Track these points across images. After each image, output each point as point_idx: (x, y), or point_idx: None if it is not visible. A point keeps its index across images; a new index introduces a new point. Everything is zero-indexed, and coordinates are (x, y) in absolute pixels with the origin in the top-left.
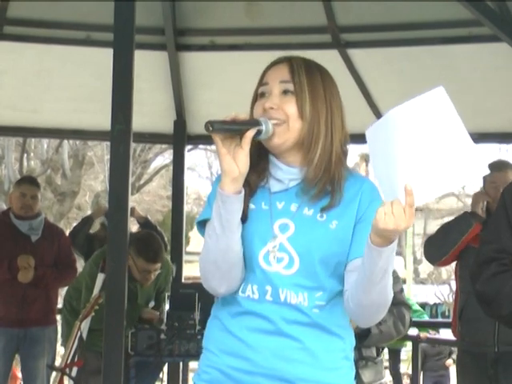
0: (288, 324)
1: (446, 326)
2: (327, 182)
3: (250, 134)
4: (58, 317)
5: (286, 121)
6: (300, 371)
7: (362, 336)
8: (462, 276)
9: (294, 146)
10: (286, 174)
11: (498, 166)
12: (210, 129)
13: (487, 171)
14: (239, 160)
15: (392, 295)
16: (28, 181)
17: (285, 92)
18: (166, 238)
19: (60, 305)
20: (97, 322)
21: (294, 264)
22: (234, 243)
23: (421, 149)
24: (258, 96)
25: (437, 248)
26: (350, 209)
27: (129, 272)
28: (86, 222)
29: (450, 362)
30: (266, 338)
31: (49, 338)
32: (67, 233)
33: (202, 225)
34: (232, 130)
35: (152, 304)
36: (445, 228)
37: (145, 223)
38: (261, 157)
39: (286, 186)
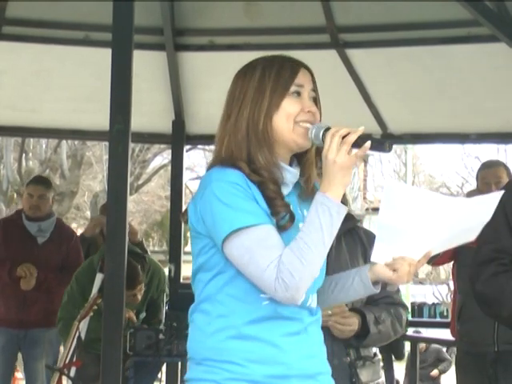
0: (309, 324)
1: (444, 326)
2: (313, 182)
3: (368, 145)
4: None
5: None
6: (318, 365)
7: (361, 336)
8: (460, 276)
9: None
10: (293, 177)
11: (489, 164)
12: (387, 149)
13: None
14: (352, 172)
15: None
16: (35, 181)
17: (313, 100)
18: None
19: None
20: (95, 329)
21: None
22: None
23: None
24: (288, 92)
25: None
26: None
27: None
28: (82, 242)
29: (435, 372)
30: (294, 339)
31: (49, 340)
32: None
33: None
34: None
35: (143, 315)
36: None
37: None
38: (272, 161)
39: (290, 189)
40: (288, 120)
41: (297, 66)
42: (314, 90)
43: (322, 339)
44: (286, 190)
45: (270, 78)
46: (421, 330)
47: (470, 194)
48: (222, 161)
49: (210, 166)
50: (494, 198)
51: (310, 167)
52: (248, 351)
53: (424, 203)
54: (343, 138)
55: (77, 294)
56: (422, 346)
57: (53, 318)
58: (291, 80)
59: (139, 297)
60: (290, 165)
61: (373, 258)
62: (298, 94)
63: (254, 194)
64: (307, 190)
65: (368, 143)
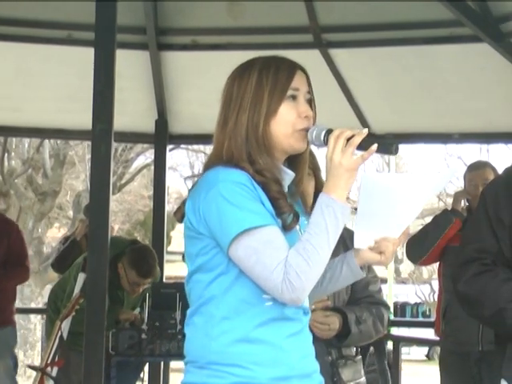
0: (305, 323)
1: (426, 325)
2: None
3: (375, 148)
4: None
5: None
6: (312, 364)
7: (342, 336)
8: (446, 275)
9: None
10: (289, 178)
11: (476, 166)
12: (394, 152)
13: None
14: (357, 174)
15: None
16: None
17: (309, 102)
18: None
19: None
20: (79, 324)
21: None
22: None
23: (405, 204)
24: (284, 97)
25: (418, 247)
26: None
27: (118, 279)
28: (73, 246)
29: None
30: (295, 339)
31: (5, 340)
32: (54, 257)
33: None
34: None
35: (138, 310)
36: (425, 226)
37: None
38: (272, 163)
39: (285, 190)
40: (285, 126)
41: (293, 68)
42: (310, 91)
43: (312, 338)
44: None
45: (267, 82)
46: (404, 329)
47: (457, 194)
48: (224, 161)
49: (209, 167)
50: (447, 173)
51: (303, 168)
52: (254, 354)
53: (395, 185)
54: (348, 140)
55: (74, 280)
56: None
57: (3, 317)
58: (288, 84)
59: (141, 290)
60: (296, 165)
61: (356, 245)
62: (294, 97)
63: (259, 195)
64: (297, 191)
65: (375, 146)
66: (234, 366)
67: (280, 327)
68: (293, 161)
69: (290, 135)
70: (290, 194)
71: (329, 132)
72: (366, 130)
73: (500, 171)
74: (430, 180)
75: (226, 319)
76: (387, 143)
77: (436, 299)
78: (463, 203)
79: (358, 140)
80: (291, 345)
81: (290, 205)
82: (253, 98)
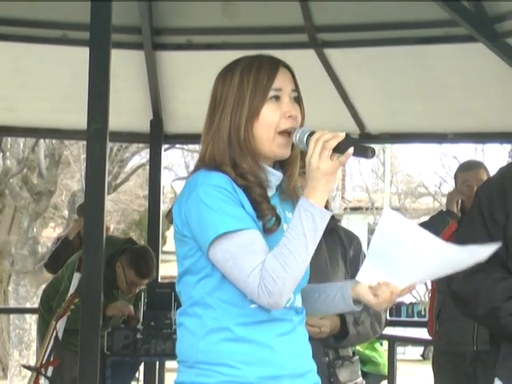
0: (297, 323)
1: (422, 325)
2: (295, 183)
3: (351, 152)
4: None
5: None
6: (306, 364)
7: (340, 337)
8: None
9: None
10: (277, 179)
11: (469, 166)
12: (370, 155)
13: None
14: (336, 178)
15: None
16: None
17: (294, 99)
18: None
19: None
20: (74, 322)
21: None
22: None
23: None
24: (266, 98)
25: None
26: None
27: (114, 278)
28: (66, 246)
29: None
30: (285, 339)
31: None
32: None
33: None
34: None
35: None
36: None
37: None
38: (257, 165)
39: (273, 191)
40: (269, 129)
41: (275, 67)
42: (296, 89)
43: (307, 338)
44: (270, 193)
45: (248, 84)
46: (399, 329)
47: (451, 195)
48: (206, 164)
49: (195, 169)
50: (486, 249)
51: (292, 165)
52: (242, 353)
53: (417, 240)
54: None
55: (67, 279)
56: None
57: None
58: (269, 85)
59: (137, 290)
60: (274, 166)
61: (358, 278)
62: (277, 98)
63: (240, 198)
64: (288, 189)
65: (351, 149)
66: (222, 365)
67: (268, 328)
68: (283, 159)
69: (273, 139)
70: (280, 194)
71: (311, 135)
72: (343, 134)
73: (494, 171)
74: (459, 253)
75: (212, 319)
76: (364, 147)
77: None
78: (457, 203)
79: (333, 143)
80: (281, 344)
81: (272, 208)
82: (235, 101)
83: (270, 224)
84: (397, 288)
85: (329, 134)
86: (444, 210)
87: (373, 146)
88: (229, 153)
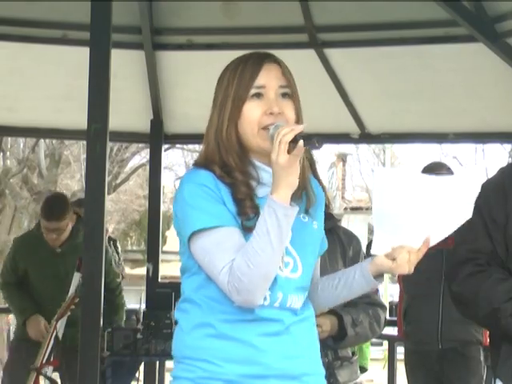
0: (291, 324)
1: None
2: (303, 182)
3: (302, 144)
4: None
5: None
6: (303, 366)
7: (338, 338)
8: (406, 278)
9: None
10: (271, 176)
11: (431, 168)
12: (317, 145)
13: None
14: (298, 172)
15: None
16: None
17: (283, 95)
18: (119, 248)
19: None
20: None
21: (298, 267)
22: (282, 256)
23: (430, 207)
24: (248, 96)
25: None
26: (320, 210)
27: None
28: None
29: None
30: (274, 340)
31: None
32: None
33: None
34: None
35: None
36: None
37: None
38: (246, 163)
39: (269, 189)
40: (251, 127)
41: (258, 65)
42: (286, 85)
43: (313, 339)
44: (263, 191)
45: (233, 83)
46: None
47: None
48: (197, 163)
49: (190, 168)
50: (475, 173)
51: None
52: (224, 350)
53: (412, 185)
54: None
55: (8, 258)
56: None
57: None
58: (251, 82)
59: (55, 236)
60: None
61: (373, 251)
62: (259, 95)
63: (222, 196)
64: (296, 191)
65: (301, 142)
66: (203, 360)
67: (251, 327)
68: None
69: (256, 134)
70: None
71: (317, 139)
72: (301, 126)
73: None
74: (456, 183)
75: (198, 316)
76: (310, 138)
77: None
78: None
79: (288, 137)
80: (268, 344)
81: (255, 206)
82: (221, 100)
83: (249, 223)
84: (412, 247)
85: (287, 129)
86: None
87: (373, 145)
88: (217, 151)
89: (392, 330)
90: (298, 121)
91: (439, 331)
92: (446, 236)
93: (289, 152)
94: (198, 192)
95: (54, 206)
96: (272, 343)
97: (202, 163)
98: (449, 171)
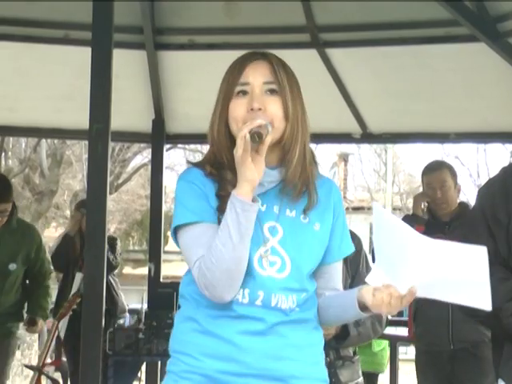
0: (277, 324)
1: None
2: (304, 182)
3: (269, 140)
4: None
5: (271, 122)
6: (290, 368)
7: (341, 338)
8: None
9: (272, 147)
10: (266, 176)
11: (431, 168)
12: (257, 139)
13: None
14: (259, 168)
15: None
16: None
17: (269, 92)
18: (118, 245)
19: None
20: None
21: (286, 267)
22: (247, 252)
23: (437, 267)
24: (233, 94)
25: None
26: (327, 211)
27: None
28: (67, 242)
29: None
30: (256, 339)
31: None
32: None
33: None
34: (260, 137)
35: (13, 267)
36: None
37: None
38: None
39: (265, 189)
40: (236, 122)
41: (245, 61)
42: (272, 81)
43: (309, 342)
44: (257, 189)
45: (224, 82)
46: (401, 329)
47: (416, 198)
48: (191, 162)
49: None
50: (478, 251)
51: (288, 164)
52: (205, 346)
53: (404, 236)
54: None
55: None
56: None
57: None
58: (236, 80)
59: (4, 220)
60: (281, 164)
61: (367, 279)
62: (244, 92)
63: (207, 192)
64: (293, 191)
65: (247, 136)
66: (187, 354)
67: (234, 323)
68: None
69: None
70: (280, 190)
71: (257, 133)
72: (258, 122)
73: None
74: (446, 250)
75: (186, 311)
76: (252, 132)
77: None
78: (423, 206)
79: (243, 133)
80: (249, 343)
81: None
82: (216, 99)
83: None
84: (396, 291)
85: (246, 124)
86: (410, 214)
87: (375, 145)
88: (211, 148)
89: (394, 330)
90: (287, 117)
91: (450, 332)
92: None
93: (256, 148)
94: (185, 189)
95: (2, 187)
96: (254, 342)
97: (197, 162)
98: (450, 169)
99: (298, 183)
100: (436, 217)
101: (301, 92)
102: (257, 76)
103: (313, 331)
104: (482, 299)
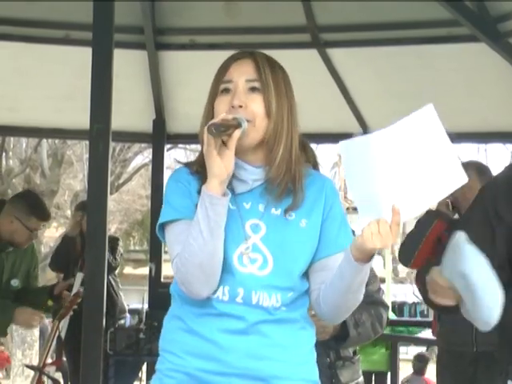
0: (259, 323)
1: (424, 325)
2: (289, 180)
3: (237, 134)
4: None
5: (252, 119)
6: (273, 368)
7: (340, 339)
8: None
9: (257, 145)
10: (250, 174)
11: None
12: (214, 132)
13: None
14: (227, 162)
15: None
16: None
17: (251, 90)
18: (120, 245)
19: None
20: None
21: (268, 264)
22: (220, 246)
23: (405, 167)
24: (218, 92)
25: (405, 250)
26: (316, 207)
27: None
28: (67, 243)
29: None
30: (238, 338)
31: None
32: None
33: (161, 227)
34: (224, 131)
35: (16, 282)
36: (411, 230)
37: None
38: None
39: (250, 187)
40: None
41: (228, 61)
42: (254, 79)
43: (294, 342)
44: (242, 187)
45: (212, 82)
46: (402, 329)
47: None
48: (185, 162)
49: None
50: (426, 111)
51: (271, 163)
52: (188, 344)
53: (377, 149)
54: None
55: None
56: None
57: None
58: (220, 78)
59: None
60: (270, 163)
61: (357, 230)
62: (227, 90)
63: (191, 189)
64: (277, 189)
65: (205, 132)
66: (171, 353)
67: (215, 321)
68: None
69: None
70: (265, 189)
71: (213, 125)
72: (222, 116)
73: (496, 171)
74: (411, 126)
75: (173, 309)
76: (210, 126)
77: None
78: (447, 203)
79: (205, 129)
80: (230, 342)
81: None
82: (206, 99)
83: None
84: (382, 219)
85: (213, 120)
86: (433, 209)
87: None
88: (201, 148)
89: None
90: (269, 115)
91: (474, 333)
92: (441, 196)
93: (225, 143)
94: (171, 187)
95: (43, 203)
96: (235, 341)
97: (187, 162)
98: (477, 169)
99: (282, 182)
100: (461, 214)
101: (291, 91)
102: (240, 74)
103: (299, 331)
104: (455, 175)
